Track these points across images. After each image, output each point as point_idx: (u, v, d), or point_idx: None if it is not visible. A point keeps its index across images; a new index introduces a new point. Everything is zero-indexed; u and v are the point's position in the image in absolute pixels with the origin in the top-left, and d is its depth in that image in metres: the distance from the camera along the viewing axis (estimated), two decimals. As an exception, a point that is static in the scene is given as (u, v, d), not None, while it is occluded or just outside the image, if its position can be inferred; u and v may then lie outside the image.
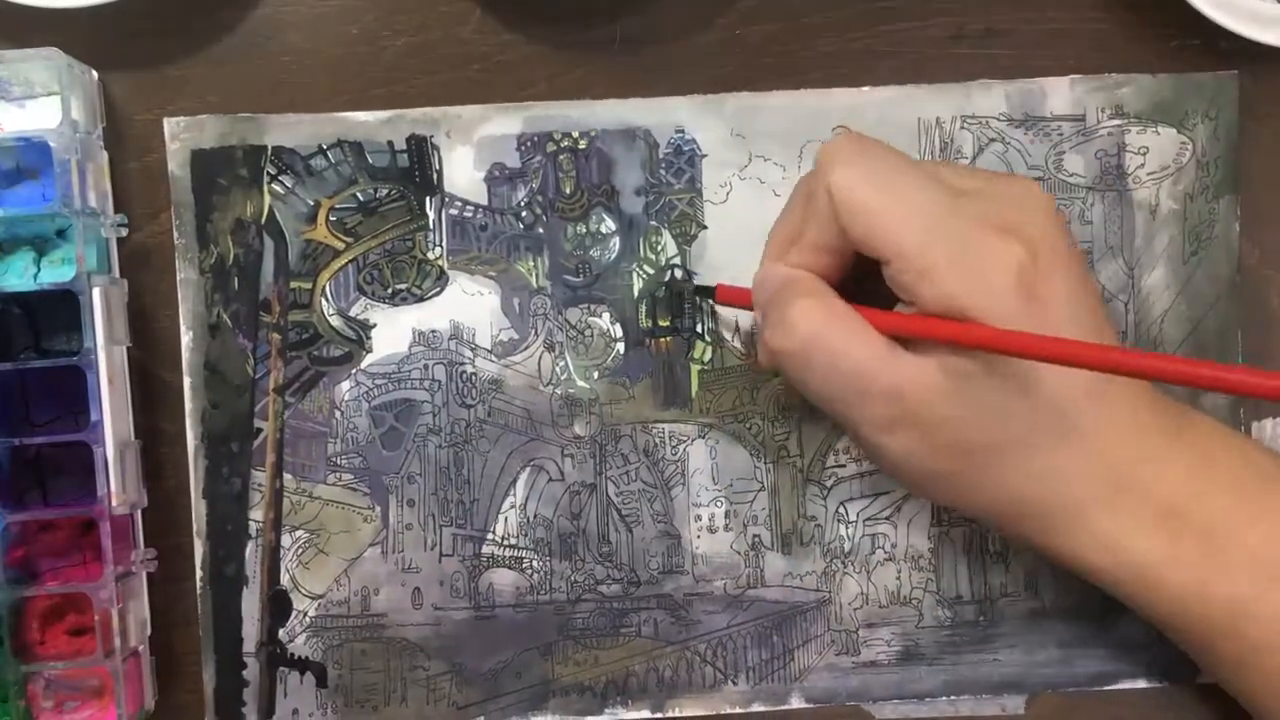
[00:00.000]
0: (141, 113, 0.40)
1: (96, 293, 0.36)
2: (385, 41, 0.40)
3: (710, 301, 0.40)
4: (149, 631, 0.39)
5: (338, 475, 0.40)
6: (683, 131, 0.40)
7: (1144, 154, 0.40)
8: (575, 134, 0.40)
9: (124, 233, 0.39)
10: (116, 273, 0.39)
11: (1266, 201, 0.41)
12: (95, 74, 0.39)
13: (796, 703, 0.41)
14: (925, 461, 0.32)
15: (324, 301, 0.40)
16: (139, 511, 0.39)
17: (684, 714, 0.40)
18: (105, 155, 0.39)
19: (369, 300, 0.40)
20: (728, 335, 0.41)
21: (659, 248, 0.41)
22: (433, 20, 0.40)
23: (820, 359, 0.32)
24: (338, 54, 0.40)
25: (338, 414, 0.40)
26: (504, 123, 0.40)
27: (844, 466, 0.41)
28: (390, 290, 0.40)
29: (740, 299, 0.37)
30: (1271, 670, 0.33)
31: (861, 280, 0.33)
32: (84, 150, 0.38)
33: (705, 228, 0.40)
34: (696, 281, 0.40)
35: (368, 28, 0.40)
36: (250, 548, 0.40)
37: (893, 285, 0.31)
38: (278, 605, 0.40)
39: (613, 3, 0.40)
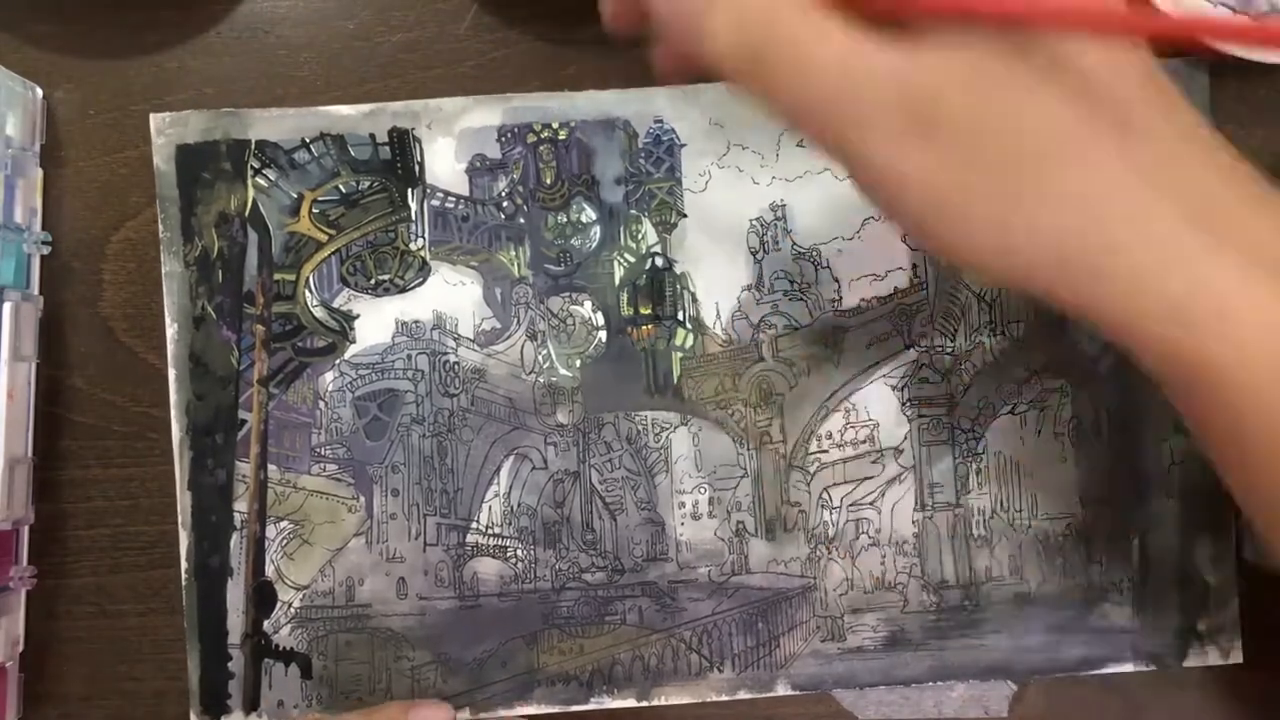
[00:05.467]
0: (139, 103, 0.41)
1: (6, 307, 0.37)
2: (381, 37, 0.41)
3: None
4: (20, 649, 0.39)
5: (322, 466, 0.40)
6: (661, 121, 0.41)
7: (1118, 138, 0.41)
8: (555, 125, 0.41)
9: (46, 250, 0.40)
10: (35, 289, 0.40)
11: None
12: (39, 91, 0.40)
13: (782, 690, 0.40)
14: (951, 175, 0.24)
15: (307, 293, 0.41)
16: (25, 528, 0.39)
17: (669, 702, 0.40)
18: (39, 172, 0.40)
19: (352, 291, 0.41)
20: (709, 322, 0.41)
21: (639, 236, 0.41)
22: (428, 17, 0.41)
23: (787, 55, 0.24)
24: (333, 49, 0.41)
25: (321, 405, 0.40)
26: (484, 114, 0.41)
27: (827, 452, 0.41)
28: (373, 281, 0.41)
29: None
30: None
31: None
32: (15, 166, 0.38)
33: (685, 216, 0.41)
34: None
35: (364, 23, 0.41)
36: (235, 539, 0.40)
37: None
38: (262, 596, 0.40)
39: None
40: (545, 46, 0.41)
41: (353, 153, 0.40)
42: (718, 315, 0.41)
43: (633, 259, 0.41)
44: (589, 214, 0.41)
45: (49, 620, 0.40)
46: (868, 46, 0.24)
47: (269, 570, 0.40)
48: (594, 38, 0.40)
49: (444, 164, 0.41)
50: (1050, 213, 0.24)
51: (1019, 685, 0.41)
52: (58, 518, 0.40)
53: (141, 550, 0.40)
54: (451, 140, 0.41)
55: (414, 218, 0.41)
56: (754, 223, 0.41)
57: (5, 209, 0.38)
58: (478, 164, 0.41)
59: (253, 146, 0.40)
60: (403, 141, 0.40)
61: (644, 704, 0.40)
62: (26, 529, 0.39)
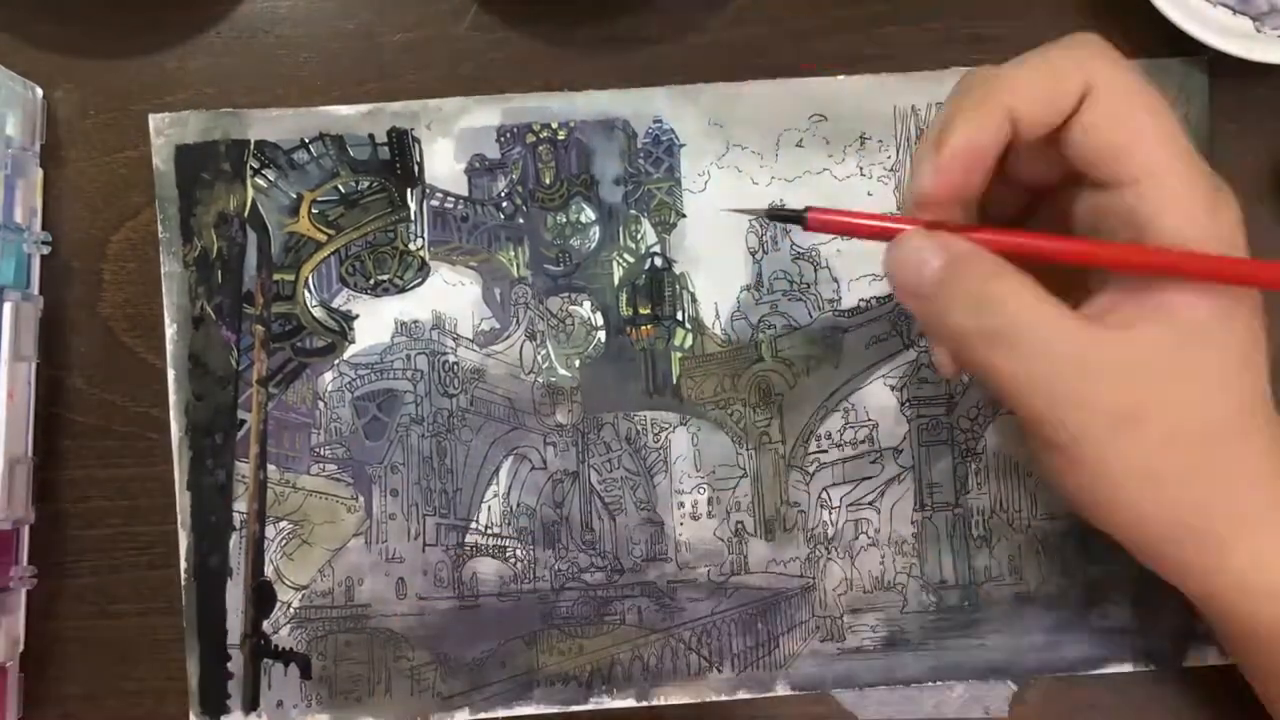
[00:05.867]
0: (139, 103, 0.41)
1: (7, 307, 0.37)
2: (381, 37, 0.41)
3: (799, 226, 0.32)
4: (20, 649, 0.39)
5: (321, 466, 0.40)
6: (661, 121, 0.41)
7: (1117, 138, 0.41)
8: (554, 125, 0.41)
9: (46, 250, 0.40)
10: (35, 289, 0.40)
11: (1245, 203, 0.41)
12: (39, 91, 0.40)
13: (782, 690, 0.40)
14: (1155, 464, 0.28)
15: (306, 293, 0.41)
16: (25, 528, 0.39)
17: (669, 702, 0.40)
18: (39, 172, 0.40)
19: (351, 291, 0.41)
20: (708, 322, 0.41)
21: (639, 236, 0.41)
22: (428, 17, 0.41)
23: (1030, 342, 0.27)
24: (333, 49, 0.41)
25: (321, 405, 0.40)
26: (483, 114, 0.41)
27: (826, 452, 0.41)
28: (372, 281, 0.41)
29: (841, 228, 0.31)
30: None
31: None
32: (15, 166, 0.38)
33: (684, 216, 0.41)
34: (781, 207, 0.37)
35: (364, 23, 0.41)
36: (234, 539, 0.40)
37: (1095, 216, 0.28)
38: (262, 596, 0.40)
39: (606, 2, 0.41)
40: (545, 46, 0.41)
41: (352, 153, 0.40)
42: (717, 315, 0.41)
43: (632, 259, 0.41)
44: (588, 214, 0.41)
45: (49, 620, 0.40)
46: (1092, 333, 0.27)
47: (268, 570, 0.40)
48: (594, 38, 0.41)
49: (443, 164, 0.41)
50: (1232, 489, 0.28)
51: (1019, 685, 0.41)
52: (58, 518, 0.40)
53: (141, 550, 0.40)
54: (451, 140, 0.41)
55: (413, 218, 0.41)
56: (753, 223, 0.41)
57: (5, 209, 0.38)
58: (477, 164, 0.41)
59: (252, 147, 0.40)
60: (402, 142, 0.40)
61: (643, 704, 0.40)
62: (26, 529, 0.39)
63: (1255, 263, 0.27)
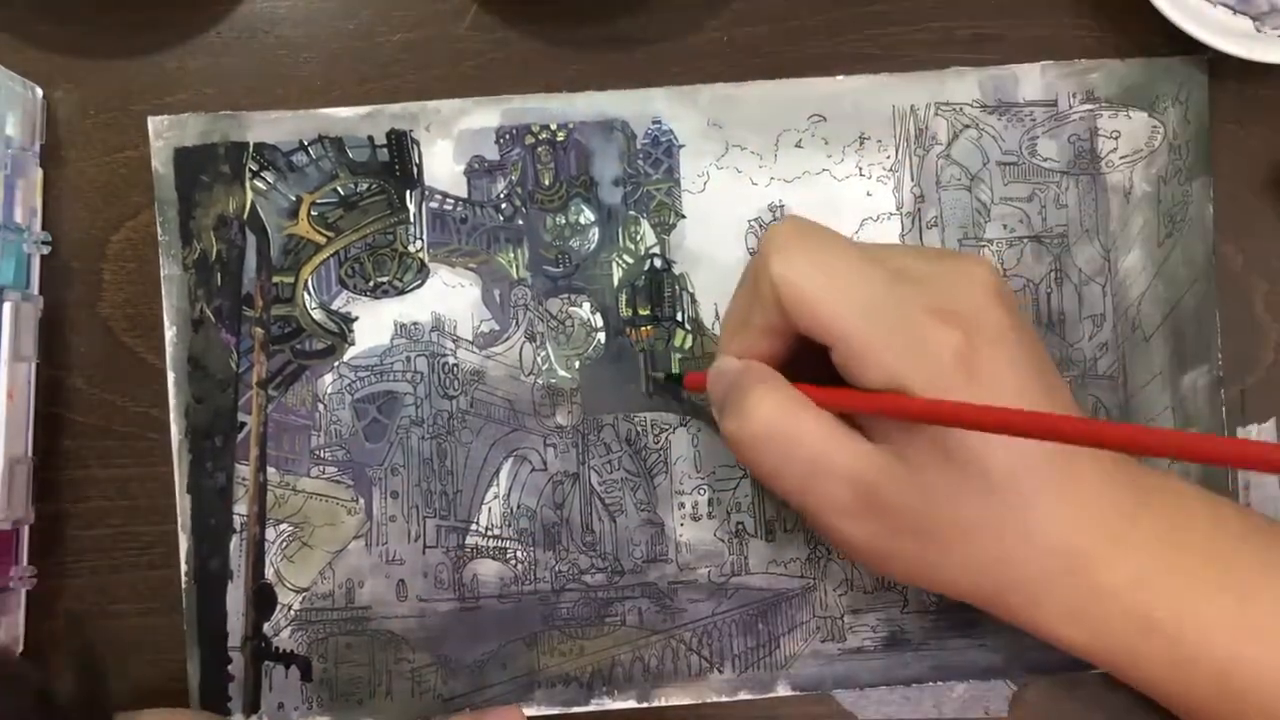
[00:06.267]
0: (139, 104, 0.41)
1: (7, 307, 0.37)
2: (381, 37, 0.41)
3: (678, 388, 0.40)
4: (20, 649, 0.39)
5: (321, 468, 0.40)
6: (660, 122, 0.41)
7: (1116, 138, 0.41)
8: (553, 126, 0.41)
9: (46, 250, 0.40)
10: (35, 289, 0.40)
11: (1246, 203, 0.41)
12: (39, 91, 0.40)
13: (783, 690, 0.40)
14: (885, 543, 0.33)
15: (306, 295, 0.41)
16: (25, 528, 0.39)
17: (670, 703, 0.40)
18: (39, 172, 0.40)
19: (350, 294, 0.41)
20: (708, 323, 0.41)
21: (638, 237, 0.41)
22: (429, 17, 0.41)
23: (776, 445, 0.32)
24: (333, 49, 0.41)
25: (321, 407, 0.40)
26: (482, 116, 0.41)
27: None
28: (371, 283, 0.41)
29: (703, 385, 0.37)
30: None
31: (807, 359, 0.33)
32: (15, 166, 0.38)
33: (684, 217, 0.41)
34: (662, 374, 0.41)
35: (364, 23, 0.41)
36: (234, 542, 0.40)
37: (840, 370, 0.32)
38: (262, 599, 0.40)
39: (606, 2, 0.41)
40: (545, 46, 0.41)
41: (351, 155, 0.40)
42: (716, 316, 0.41)
43: (631, 260, 0.41)
44: (587, 215, 0.41)
45: (49, 620, 0.40)
46: (832, 444, 0.32)
47: (269, 573, 0.40)
48: (594, 38, 0.41)
49: (442, 166, 0.41)
50: (951, 570, 0.33)
51: (1019, 685, 0.41)
52: (58, 518, 0.40)
53: (141, 550, 0.40)
54: (450, 142, 0.41)
55: (412, 220, 0.41)
56: (752, 223, 0.41)
57: (5, 209, 0.38)
58: (476, 165, 0.41)
59: (251, 149, 0.40)
60: (401, 143, 0.40)
61: (644, 705, 0.40)
62: (26, 529, 0.39)
63: (935, 404, 0.30)
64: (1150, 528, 0.33)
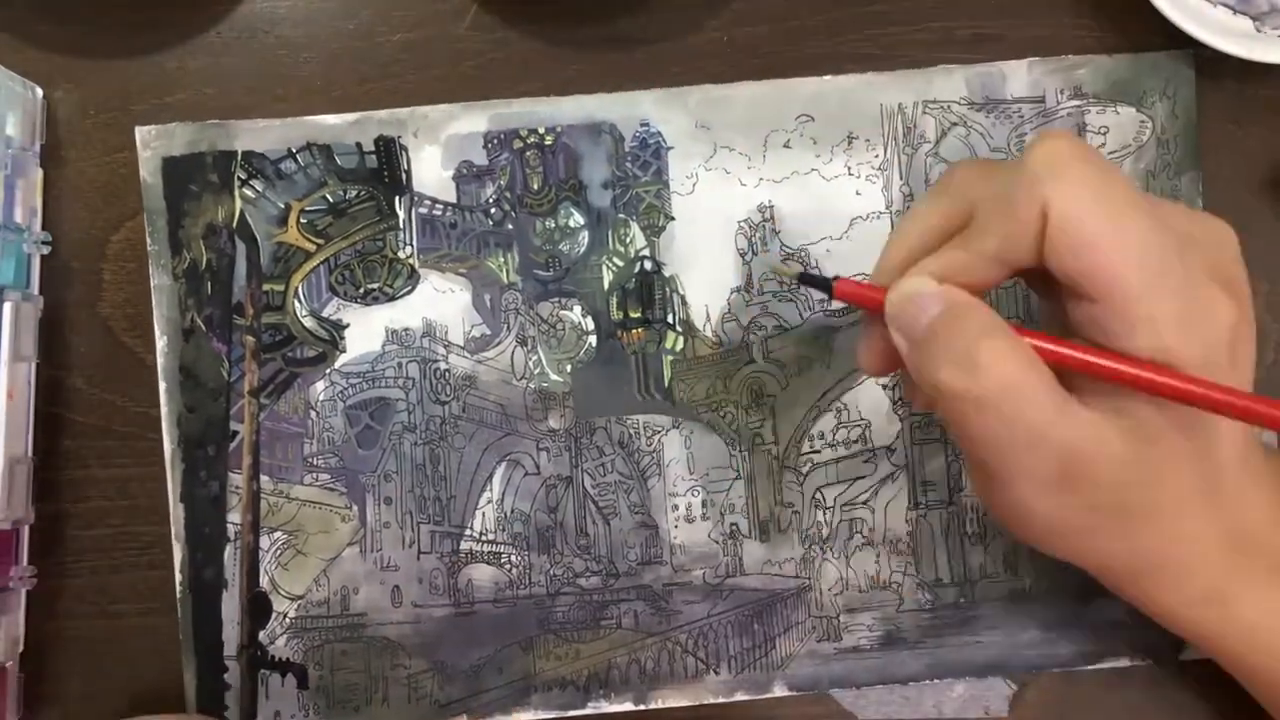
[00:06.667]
0: (139, 104, 0.41)
1: (7, 307, 0.37)
2: (381, 37, 0.41)
3: (825, 295, 0.33)
4: (20, 649, 0.39)
5: (314, 475, 0.40)
6: (648, 125, 0.41)
7: (1104, 133, 0.41)
8: (541, 130, 0.41)
9: (46, 250, 0.40)
10: (35, 289, 0.40)
11: (1245, 203, 0.41)
12: (39, 91, 0.40)
13: (779, 691, 0.40)
14: (1069, 519, 0.30)
15: (297, 303, 0.41)
16: (25, 528, 0.39)
17: (667, 705, 0.40)
18: (39, 172, 0.40)
19: (341, 300, 0.41)
20: (699, 324, 0.41)
21: (628, 240, 0.41)
22: (429, 17, 0.41)
23: (1007, 409, 0.28)
24: (333, 49, 0.41)
25: (313, 414, 0.40)
26: (470, 121, 0.41)
27: (819, 452, 0.41)
28: (362, 290, 0.41)
29: (864, 300, 0.32)
30: None
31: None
32: (15, 166, 0.38)
33: (673, 219, 0.41)
34: (805, 269, 0.38)
35: (364, 23, 0.41)
36: (229, 550, 0.40)
37: (1085, 324, 0.29)
38: (258, 607, 0.40)
39: (606, 2, 0.41)
40: (545, 46, 0.41)
41: (339, 162, 0.40)
42: (707, 318, 0.41)
43: (621, 263, 0.41)
44: (577, 219, 0.41)
45: (49, 620, 0.40)
46: (1058, 414, 0.28)
47: (263, 581, 0.40)
48: (594, 38, 0.41)
49: (431, 171, 0.41)
50: (1132, 541, 0.31)
51: (1019, 685, 0.41)
52: (58, 518, 0.40)
53: (141, 550, 0.40)
54: (438, 147, 0.41)
55: (402, 226, 0.41)
56: (742, 224, 0.41)
57: (5, 209, 0.38)
58: (464, 171, 0.41)
59: (239, 158, 0.40)
60: (389, 149, 0.40)
61: (641, 707, 0.40)
62: (26, 529, 0.39)
63: (1211, 387, 0.28)
64: None
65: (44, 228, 0.40)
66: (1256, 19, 0.39)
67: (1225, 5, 0.39)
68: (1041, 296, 0.33)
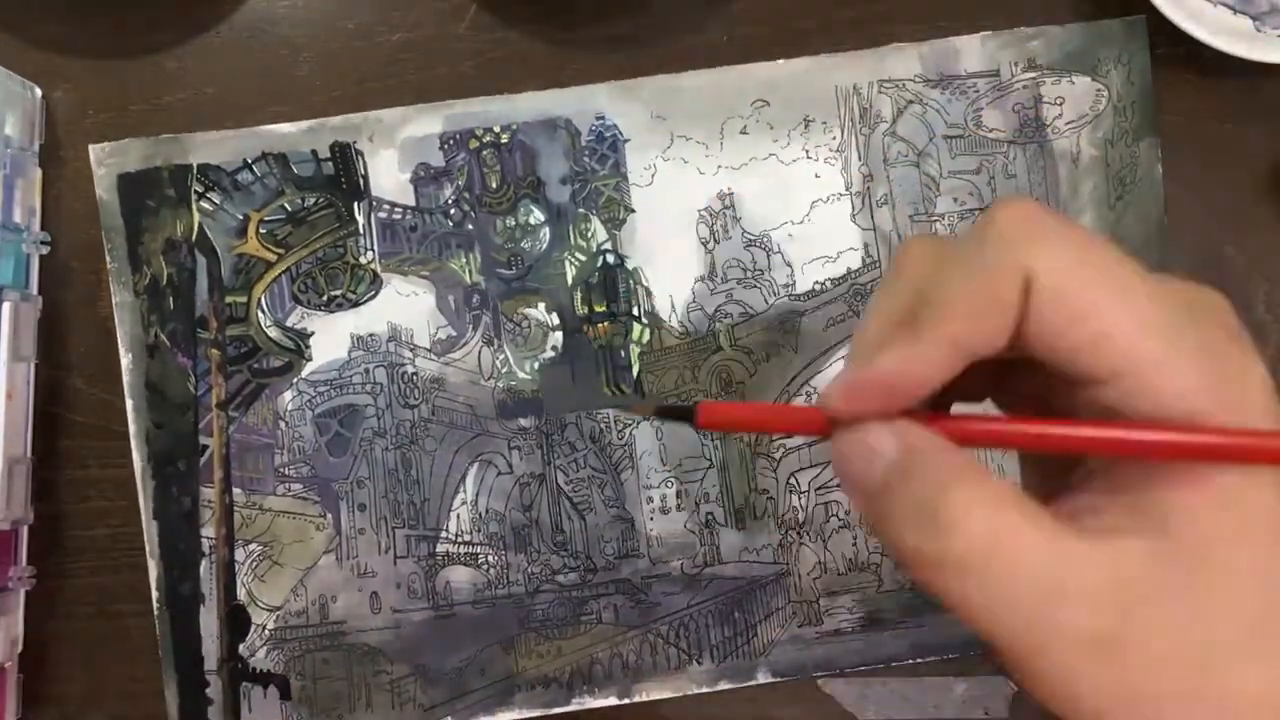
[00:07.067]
0: (139, 103, 0.41)
1: (6, 307, 0.37)
2: (381, 37, 0.41)
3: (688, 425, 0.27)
4: (19, 649, 0.39)
5: (287, 486, 0.40)
6: (603, 118, 0.41)
7: (1060, 104, 0.41)
8: (497, 129, 0.41)
9: (45, 250, 0.40)
10: (35, 289, 0.40)
11: (1246, 203, 0.41)
12: (39, 91, 0.40)
13: (763, 678, 0.40)
14: (1131, 689, 0.23)
15: (260, 314, 0.40)
16: (24, 528, 0.39)
17: (651, 698, 0.40)
18: (38, 172, 0.40)
19: (305, 309, 0.40)
20: (664, 315, 0.41)
21: (589, 234, 0.41)
22: (428, 17, 0.41)
23: (995, 573, 0.22)
24: (333, 49, 0.41)
25: (282, 424, 0.40)
26: (425, 123, 0.40)
27: (791, 437, 0.41)
28: (325, 297, 0.40)
29: (739, 423, 0.27)
30: None
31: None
32: (15, 166, 0.38)
33: (633, 211, 0.41)
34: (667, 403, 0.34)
35: (364, 23, 0.41)
36: (204, 565, 0.40)
37: (1089, 405, 0.23)
38: (236, 620, 0.40)
39: (606, 2, 0.41)
40: (545, 46, 0.41)
41: (295, 170, 0.40)
42: (673, 308, 0.41)
43: (584, 258, 0.41)
44: (537, 216, 0.41)
45: (49, 620, 0.40)
46: (1065, 557, 0.22)
47: (241, 594, 0.40)
48: (594, 38, 0.41)
49: (388, 175, 0.40)
50: (1214, 710, 0.23)
51: (1019, 685, 0.40)
52: (57, 518, 0.40)
53: (141, 550, 0.40)
54: (394, 151, 0.40)
55: (362, 231, 0.40)
56: (702, 213, 0.41)
57: (5, 209, 0.38)
58: (422, 173, 0.41)
59: (195, 171, 0.40)
60: (345, 156, 0.40)
61: (625, 701, 0.40)
62: (26, 529, 0.39)
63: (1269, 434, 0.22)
64: None
65: (43, 227, 0.40)
66: (1256, 19, 0.39)
67: (1225, 5, 0.39)
68: (1004, 406, 0.28)
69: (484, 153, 0.41)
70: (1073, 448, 0.23)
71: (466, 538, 0.40)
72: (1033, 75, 0.41)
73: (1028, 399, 0.26)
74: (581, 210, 0.41)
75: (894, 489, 0.23)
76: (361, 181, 0.40)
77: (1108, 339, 0.22)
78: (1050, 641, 0.22)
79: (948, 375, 0.23)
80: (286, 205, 0.40)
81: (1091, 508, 0.24)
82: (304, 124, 0.40)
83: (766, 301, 0.41)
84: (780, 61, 0.41)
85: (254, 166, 0.40)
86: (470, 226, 0.41)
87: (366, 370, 0.40)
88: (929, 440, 0.24)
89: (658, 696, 0.40)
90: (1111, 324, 0.22)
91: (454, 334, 0.41)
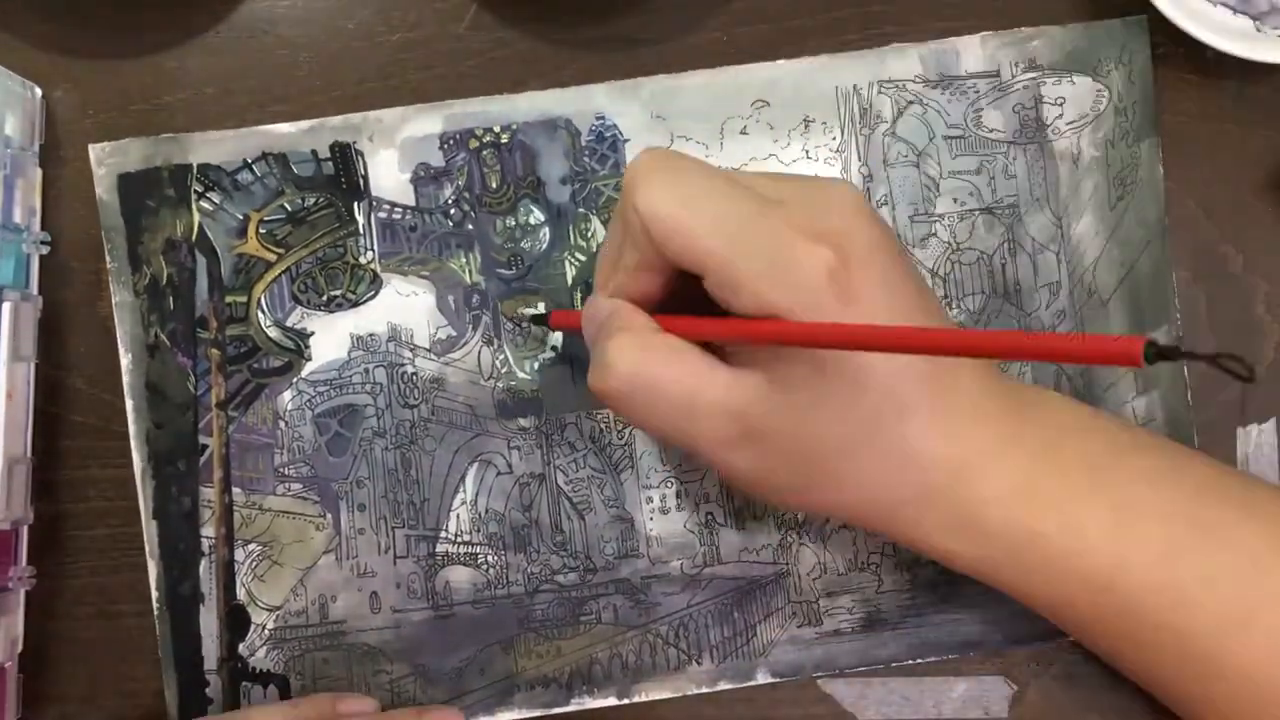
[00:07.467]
0: (139, 103, 0.40)
1: (6, 307, 0.37)
2: (381, 37, 0.41)
3: (545, 328, 0.40)
4: (19, 649, 0.39)
5: (286, 486, 0.40)
6: (603, 118, 0.41)
7: (1061, 104, 0.41)
8: (497, 129, 0.41)
9: (46, 250, 0.40)
10: (35, 289, 0.40)
11: (1246, 203, 0.41)
12: (39, 91, 0.40)
13: (762, 678, 0.40)
14: (774, 474, 0.32)
15: (260, 314, 0.40)
16: (24, 528, 0.39)
17: (650, 698, 0.40)
18: (38, 172, 0.40)
19: (305, 309, 0.40)
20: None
21: (589, 234, 0.41)
22: (428, 17, 0.41)
23: (640, 397, 0.31)
24: (333, 49, 0.41)
25: (282, 424, 0.40)
26: (425, 123, 0.40)
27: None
28: (325, 297, 0.40)
29: (573, 324, 0.36)
30: (1142, 639, 0.33)
31: (690, 294, 0.32)
32: (15, 166, 0.38)
33: (633, 211, 0.41)
34: (530, 311, 0.40)
35: (364, 23, 0.41)
36: (204, 565, 0.40)
37: (716, 299, 0.31)
38: (236, 620, 0.40)
39: (606, 2, 0.41)
40: (545, 46, 0.41)
41: (295, 170, 0.40)
42: (673, 308, 0.41)
43: (584, 257, 0.41)
44: (537, 215, 0.41)
45: (49, 620, 0.40)
46: (699, 381, 0.31)
47: (240, 594, 0.40)
48: (594, 38, 0.41)
49: (388, 175, 0.40)
50: (837, 492, 0.33)
51: (1019, 685, 0.40)
52: (57, 518, 0.40)
53: (140, 550, 0.40)
54: (394, 151, 0.40)
55: (362, 231, 0.41)
56: (702, 213, 0.41)
57: (5, 209, 0.38)
58: (422, 173, 0.41)
59: (195, 170, 0.40)
60: (345, 155, 0.40)
61: (624, 702, 0.40)
62: (26, 529, 0.39)
63: (786, 325, 0.29)
64: (1030, 438, 0.33)
65: (43, 227, 0.40)
66: (1256, 19, 0.39)
67: (1225, 5, 0.39)
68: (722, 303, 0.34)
69: (484, 153, 0.41)
70: (692, 334, 0.31)
71: (466, 538, 0.40)
72: (1033, 75, 0.41)
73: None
74: (582, 210, 0.41)
75: (592, 341, 0.33)
76: (361, 181, 0.40)
77: (688, 248, 0.30)
78: (696, 443, 0.32)
79: (652, 289, 0.32)
80: (286, 205, 0.40)
81: (749, 352, 0.31)
82: (304, 124, 0.40)
83: (766, 302, 0.41)
84: (780, 61, 0.41)
85: (254, 166, 0.40)
86: (470, 226, 0.41)
87: (366, 370, 0.40)
88: (622, 308, 0.32)
89: (657, 697, 0.40)
90: (687, 235, 0.30)
91: (454, 334, 0.41)
